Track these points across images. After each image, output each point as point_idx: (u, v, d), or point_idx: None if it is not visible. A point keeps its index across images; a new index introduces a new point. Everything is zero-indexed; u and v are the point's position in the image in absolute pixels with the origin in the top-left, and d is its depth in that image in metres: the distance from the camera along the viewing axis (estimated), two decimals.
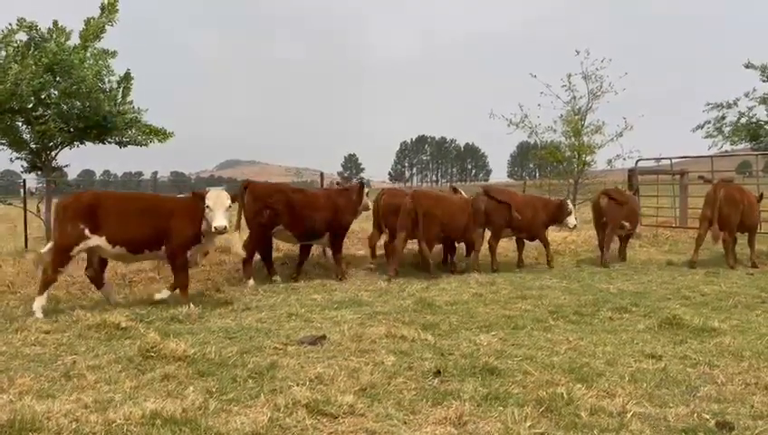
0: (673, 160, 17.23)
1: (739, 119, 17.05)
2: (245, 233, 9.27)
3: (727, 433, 3.68)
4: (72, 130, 10.78)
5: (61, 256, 7.05)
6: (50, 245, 7.32)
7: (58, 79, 10.34)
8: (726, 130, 17.21)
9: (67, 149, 11.32)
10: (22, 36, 10.45)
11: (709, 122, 17.48)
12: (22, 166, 11.40)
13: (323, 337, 5.77)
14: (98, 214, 7.14)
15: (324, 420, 3.82)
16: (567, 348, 5.52)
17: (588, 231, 13.54)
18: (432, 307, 7.33)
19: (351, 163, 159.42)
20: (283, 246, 11.00)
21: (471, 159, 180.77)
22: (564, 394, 4.13)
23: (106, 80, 10.96)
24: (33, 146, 10.99)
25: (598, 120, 17.08)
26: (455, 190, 12.32)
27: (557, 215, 11.38)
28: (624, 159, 16.96)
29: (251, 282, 9.06)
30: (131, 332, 5.96)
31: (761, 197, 11.57)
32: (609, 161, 17.49)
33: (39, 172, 11.41)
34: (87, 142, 11.24)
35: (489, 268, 10.71)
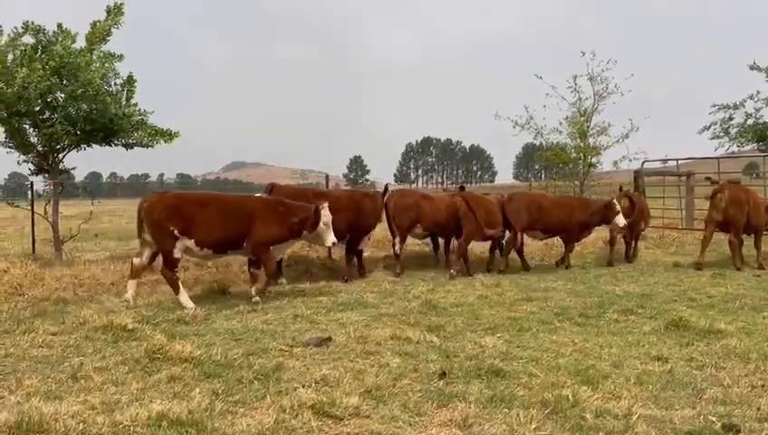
0: (679, 162, 17.19)
1: (746, 120, 16.93)
2: None
3: None
4: (78, 132, 10.82)
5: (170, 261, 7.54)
6: (147, 252, 7.74)
7: (65, 82, 10.38)
8: (733, 131, 17.07)
9: (74, 151, 11.36)
10: (28, 39, 10.51)
11: (716, 123, 17.36)
12: (29, 168, 11.43)
13: (329, 339, 5.78)
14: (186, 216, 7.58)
15: (330, 421, 3.83)
16: (572, 350, 5.52)
17: (593, 233, 13.47)
18: (437, 309, 7.34)
19: (357, 165, 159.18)
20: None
21: (476, 160, 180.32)
22: (570, 396, 4.14)
23: (112, 83, 11.02)
24: (41, 149, 11.03)
25: (603, 122, 16.98)
26: (461, 189, 12.39)
27: (605, 215, 11.13)
28: (630, 160, 16.88)
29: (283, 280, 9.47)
30: (138, 333, 5.98)
31: None
32: (615, 163, 17.40)
33: (46, 175, 11.43)
34: (94, 145, 11.29)
35: (520, 268, 11.04)
